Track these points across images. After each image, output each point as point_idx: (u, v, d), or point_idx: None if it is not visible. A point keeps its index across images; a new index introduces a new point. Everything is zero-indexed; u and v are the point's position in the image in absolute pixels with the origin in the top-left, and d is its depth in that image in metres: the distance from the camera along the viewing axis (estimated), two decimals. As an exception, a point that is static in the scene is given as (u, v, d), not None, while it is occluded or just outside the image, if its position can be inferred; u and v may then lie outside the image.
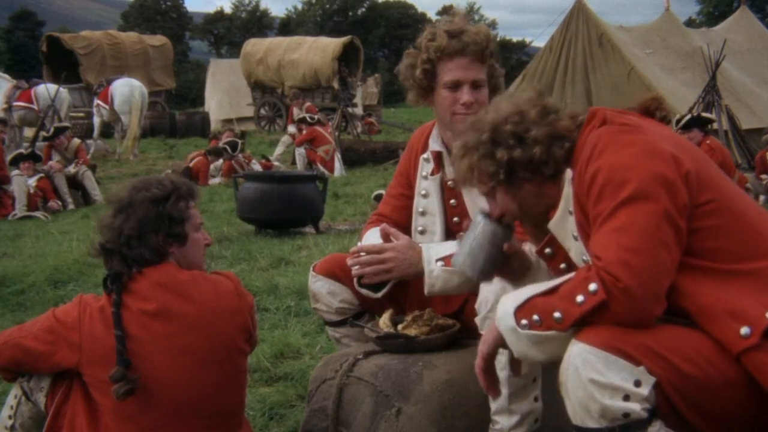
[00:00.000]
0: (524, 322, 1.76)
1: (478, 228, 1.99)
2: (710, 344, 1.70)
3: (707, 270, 1.74)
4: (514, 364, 1.98)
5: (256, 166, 12.23)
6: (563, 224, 1.93)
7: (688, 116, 8.76)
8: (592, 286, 1.67)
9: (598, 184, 1.77)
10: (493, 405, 2.34)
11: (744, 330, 1.65)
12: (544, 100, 1.97)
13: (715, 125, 11.36)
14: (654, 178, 1.72)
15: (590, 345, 1.66)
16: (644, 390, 1.63)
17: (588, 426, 1.68)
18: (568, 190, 1.89)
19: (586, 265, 1.78)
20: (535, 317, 1.75)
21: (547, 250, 2.04)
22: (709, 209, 1.75)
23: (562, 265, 2.02)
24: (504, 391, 2.31)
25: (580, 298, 1.69)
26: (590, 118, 1.92)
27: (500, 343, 1.85)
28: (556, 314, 1.72)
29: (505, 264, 2.07)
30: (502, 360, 2.09)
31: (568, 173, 1.89)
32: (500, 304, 1.85)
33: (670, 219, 1.71)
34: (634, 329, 1.67)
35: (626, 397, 1.63)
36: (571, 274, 1.79)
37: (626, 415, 1.63)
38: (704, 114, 10.02)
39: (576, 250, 1.94)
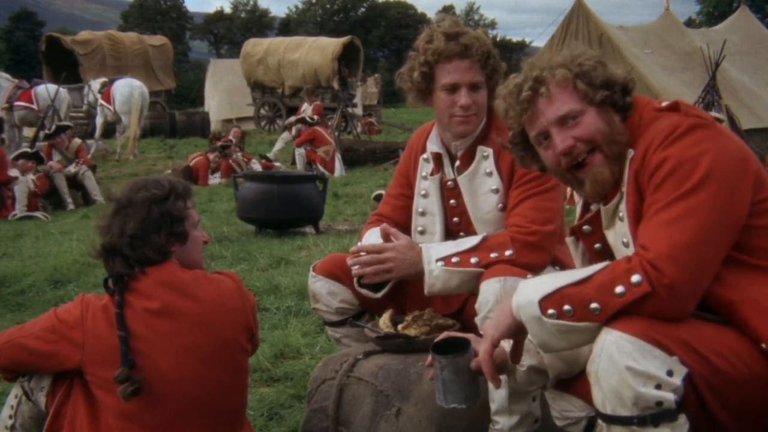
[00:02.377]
0: (551, 311, 1.72)
1: (439, 366, 1.92)
2: (742, 341, 1.71)
3: (754, 266, 1.75)
4: (515, 352, 1.96)
5: (256, 166, 12.23)
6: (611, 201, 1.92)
7: None
8: (635, 278, 1.66)
9: (663, 172, 1.76)
10: (493, 405, 2.35)
11: None
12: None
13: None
14: (718, 180, 1.72)
15: (626, 333, 1.65)
16: (676, 380, 1.63)
17: (619, 414, 1.67)
18: (625, 169, 1.88)
19: (626, 256, 1.75)
20: (567, 307, 1.71)
21: (586, 227, 2.03)
22: (763, 208, 1.76)
23: (597, 245, 2.01)
24: (503, 391, 2.31)
25: (620, 289, 1.67)
26: (647, 101, 1.93)
27: (514, 329, 1.82)
28: (593, 305, 1.69)
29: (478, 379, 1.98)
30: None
31: (630, 152, 1.88)
32: (520, 293, 1.80)
33: (726, 220, 1.72)
34: (667, 322, 1.67)
35: (658, 386, 1.63)
36: (601, 265, 1.76)
37: (659, 403, 1.64)
38: (713, 114, 10.01)
39: (618, 231, 1.91)
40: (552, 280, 1.78)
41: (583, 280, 1.73)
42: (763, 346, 1.69)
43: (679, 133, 1.79)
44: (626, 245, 1.86)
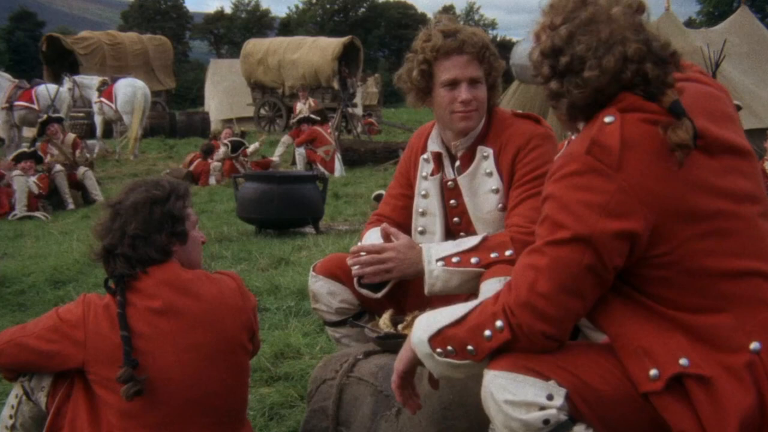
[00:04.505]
0: (439, 350, 1.81)
1: None
2: (615, 361, 1.72)
3: (644, 306, 1.72)
4: (432, 379, 2.01)
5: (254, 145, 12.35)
6: None
7: None
8: (498, 323, 1.71)
9: (544, 212, 1.74)
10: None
11: (653, 371, 1.64)
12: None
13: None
14: (588, 236, 1.65)
15: (498, 370, 1.71)
16: (557, 402, 1.66)
17: None
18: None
19: (494, 295, 1.78)
20: (449, 348, 1.79)
21: None
22: (659, 262, 1.69)
23: None
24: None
25: (487, 333, 1.73)
26: (617, 101, 1.75)
27: (416, 362, 1.90)
28: (469, 347, 1.76)
29: None
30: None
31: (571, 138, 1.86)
32: (414, 329, 1.88)
33: (594, 272, 1.68)
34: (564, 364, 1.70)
35: (542, 409, 1.66)
36: (475, 302, 1.81)
37: (546, 421, 1.66)
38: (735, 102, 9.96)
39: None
40: (438, 319, 1.84)
41: (460, 320, 1.79)
42: (653, 372, 1.65)
43: (571, 168, 1.70)
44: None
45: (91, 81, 17.65)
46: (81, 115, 19.13)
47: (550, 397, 1.66)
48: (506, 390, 1.69)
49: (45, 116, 11.56)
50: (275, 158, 13.29)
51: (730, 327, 1.66)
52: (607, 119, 1.70)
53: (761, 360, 1.63)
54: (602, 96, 1.74)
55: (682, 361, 1.63)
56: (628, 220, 1.65)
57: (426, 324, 1.85)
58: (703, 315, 1.67)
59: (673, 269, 1.69)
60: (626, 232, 1.66)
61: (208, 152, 12.83)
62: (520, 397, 1.67)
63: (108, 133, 18.10)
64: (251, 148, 12.89)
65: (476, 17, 79.25)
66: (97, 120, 17.27)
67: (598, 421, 1.69)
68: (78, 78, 17.53)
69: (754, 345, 1.63)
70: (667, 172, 1.67)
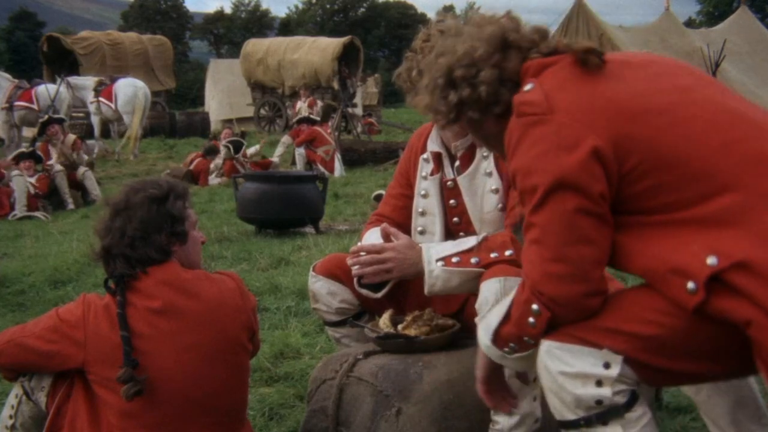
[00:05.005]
0: (506, 349, 1.83)
1: None
2: (658, 296, 1.66)
3: (653, 226, 1.67)
4: (520, 375, 2.05)
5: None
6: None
7: None
8: (534, 307, 1.72)
9: (518, 189, 1.76)
10: (493, 405, 2.35)
11: (690, 285, 1.58)
12: (506, 35, 1.85)
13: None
14: (558, 180, 1.65)
15: (553, 341, 1.71)
16: (614, 370, 1.64)
17: (567, 418, 1.71)
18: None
19: (520, 284, 1.80)
20: (512, 345, 1.82)
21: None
22: (637, 174, 1.66)
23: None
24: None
25: (531, 320, 1.74)
26: (523, 74, 1.81)
27: (493, 366, 1.93)
28: (525, 338, 1.78)
29: None
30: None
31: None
32: (478, 335, 1.90)
33: (586, 212, 1.66)
34: (612, 326, 1.68)
35: (599, 383, 1.65)
36: (510, 297, 1.82)
37: (599, 402, 1.65)
38: None
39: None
40: (492, 320, 1.86)
41: (505, 317, 1.81)
42: (690, 285, 1.58)
43: (516, 140, 1.74)
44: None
45: (85, 82, 17.59)
46: (81, 115, 19.12)
47: (606, 366, 1.64)
48: (561, 361, 1.68)
49: (46, 117, 11.56)
50: (275, 158, 13.29)
51: (741, 200, 1.59)
52: (526, 87, 1.76)
53: None
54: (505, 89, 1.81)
55: (710, 261, 1.56)
56: (584, 144, 1.65)
57: (485, 328, 1.87)
58: (708, 202, 1.61)
59: (656, 172, 1.65)
60: (588, 155, 1.64)
61: (209, 153, 12.83)
62: (576, 368, 1.66)
63: (105, 133, 18.07)
64: (251, 150, 12.90)
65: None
66: (94, 120, 17.25)
67: (670, 361, 1.65)
68: (71, 79, 17.41)
69: None
70: (599, 87, 1.70)
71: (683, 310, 1.61)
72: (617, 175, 1.67)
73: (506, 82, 1.82)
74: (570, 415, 1.70)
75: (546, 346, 1.72)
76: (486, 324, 1.88)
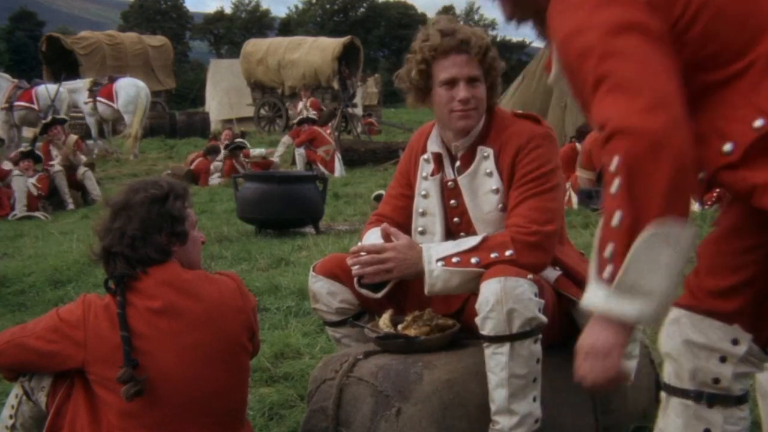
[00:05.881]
0: (606, 274, 1.48)
1: None
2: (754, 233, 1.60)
3: (705, 88, 1.55)
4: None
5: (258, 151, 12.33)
6: (558, 83, 1.73)
7: None
8: (615, 160, 1.43)
9: (570, 61, 1.57)
10: (493, 405, 2.35)
11: (727, 147, 1.48)
12: None
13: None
14: (614, 30, 1.50)
15: (685, 308, 1.65)
16: (742, 347, 1.61)
17: (675, 385, 1.66)
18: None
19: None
20: (609, 268, 1.47)
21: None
22: (688, 18, 1.54)
23: None
24: (504, 391, 2.31)
25: (614, 188, 1.45)
26: None
27: (625, 339, 1.51)
28: (614, 225, 1.47)
29: None
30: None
31: None
32: (588, 298, 1.53)
33: (653, 46, 1.50)
34: (716, 286, 1.62)
35: (723, 359, 1.62)
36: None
37: (716, 380, 1.61)
38: None
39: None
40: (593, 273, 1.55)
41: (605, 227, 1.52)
42: (727, 147, 1.49)
43: (556, 11, 1.59)
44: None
45: (77, 84, 17.54)
46: (81, 115, 19.14)
47: (735, 342, 1.61)
48: (690, 329, 1.63)
49: (50, 118, 11.57)
50: (275, 158, 13.29)
51: None
52: None
53: None
54: None
55: (757, 123, 1.46)
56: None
57: (594, 285, 1.51)
58: (757, 46, 1.48)
59: (703, 17, 1.53)
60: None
61: (211, 153, 12.83)
62: (703, 339, 1.62)
63: (100, 133, 18.03)
64: (256, 152, 12.90)
65: (476, 17, 79.31)
66: (90, 121, 17.21)
67: None
68: (64, 84, 17.39)
69: None
70: None
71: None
72: (669, 18, 1.54)
73: None
74: (680, 384, 1.65)
75: (676, 312, 1.65)
76: (592, 290, 1.52)
